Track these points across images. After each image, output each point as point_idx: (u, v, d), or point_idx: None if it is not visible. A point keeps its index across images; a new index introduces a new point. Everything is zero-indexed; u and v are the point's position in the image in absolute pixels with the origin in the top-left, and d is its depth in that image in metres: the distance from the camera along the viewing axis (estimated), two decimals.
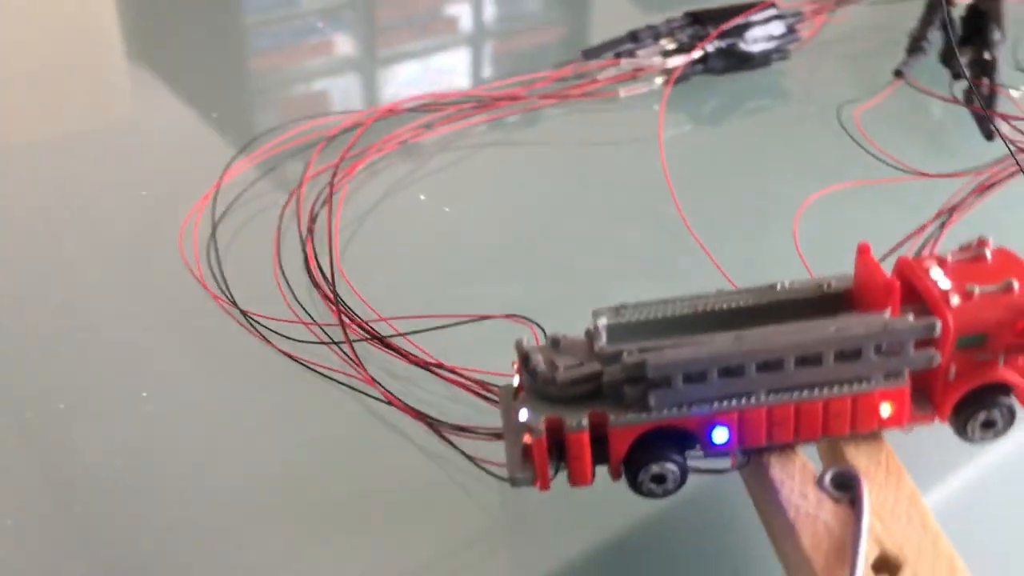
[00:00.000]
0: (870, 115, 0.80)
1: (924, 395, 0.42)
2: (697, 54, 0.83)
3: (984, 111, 0.77)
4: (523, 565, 0.47)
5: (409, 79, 0.95)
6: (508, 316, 0.49)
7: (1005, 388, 0.42)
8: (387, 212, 0.68)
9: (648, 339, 0.42)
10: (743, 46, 0.85)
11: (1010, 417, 0.42)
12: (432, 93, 0.79)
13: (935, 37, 0.87)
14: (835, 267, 0.46)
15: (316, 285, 0.59)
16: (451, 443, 0.48)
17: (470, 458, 0.47)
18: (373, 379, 0.52)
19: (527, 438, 0.42)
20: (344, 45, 1.04)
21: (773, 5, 0.88)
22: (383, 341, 0.53)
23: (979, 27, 0.86)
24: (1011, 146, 0.69)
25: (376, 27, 1.11)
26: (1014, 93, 0.80)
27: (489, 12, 1.12)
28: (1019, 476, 0.49)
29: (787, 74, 0.89)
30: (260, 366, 0.55)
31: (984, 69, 0.82)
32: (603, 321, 0.43)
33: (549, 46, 1.06)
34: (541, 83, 0.83)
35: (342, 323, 0.54)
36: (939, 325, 0.40)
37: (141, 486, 0.49)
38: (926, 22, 0.89)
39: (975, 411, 0.42)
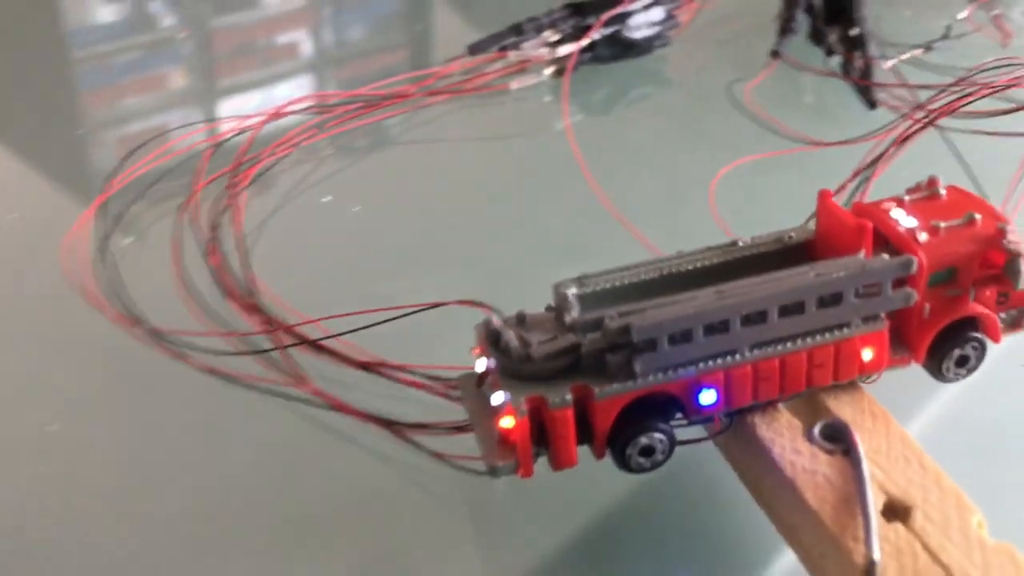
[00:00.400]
0: (756, 93, 0.81)
1: (898, 339, 0.42)
2: (586, 41, 0.83)
3: (865, 82, 0.79)
4: (502, 562, 0.44)
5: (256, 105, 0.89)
6: (461, 302, 0.46)
7: (973, 323, 0.42)
8: (292, 216, 0.64)
9: (621, 305, 0.40)
10: (627, 33, 0.85)
11: (982, 351, 0.42)
12: (318, 94, 0.75)
13: (803, 18, 0.90)
14: (756, 230, 0.44)
15: (230, 294, 0.54)
16: (415, 443, 0.45)
17: (439, 456, 0.44)
18: (314, 386, 0.48)
19: (506, 422, 0.39)
20: (181, 76, 0.98)
21: None
22: (316, 345, 0.49)
23: (842, 5, 0.88)
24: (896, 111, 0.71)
25: (214, 56, 1.04)
26: (887, 64, 0.83)
27: (327, 38, 1.08)
28: (985, 402, 0.49)
29: (669, 60, 0.89)
30: (180, 386, 0.50)
31: (854, 44, 0.85)
32: (573, 291, 0.41)
33: (394, 67, 1.01)
34: (429, 80, 0.80)
35: (270, 329, 0.49)
36: (915, 261, 0.39)
37: (55, 537, 0.43)
38: (791, 3, 0.92)
39: (949, 349, 0.42)
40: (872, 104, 0.78)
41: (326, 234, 0.63)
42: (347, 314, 0.50)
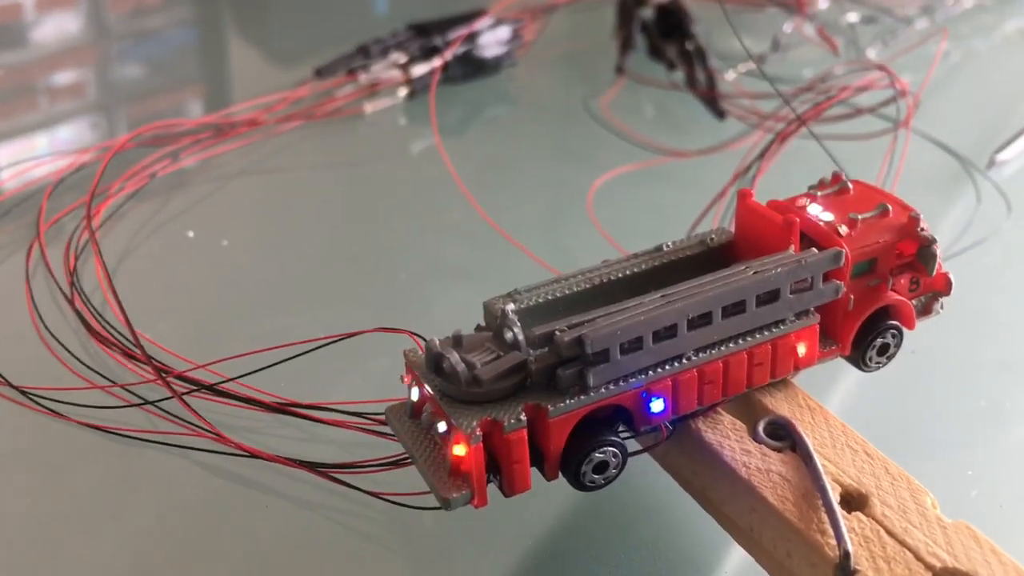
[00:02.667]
0: (611, 108, 0.83)
1: (825, 332, 0.42)
2: (441, 61, 0.81)
3: (712, 94, 0.82)
4: None
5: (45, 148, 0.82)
6: (380, 329, 0.43)
7: (891, 311, 0.43)
8: (155, 254, 0.59)
9: (558, 318, 0.38)
10: (478, 52, 0.84)
11: (900, 339, 0.44)
12: (163, 123, 0.70)
13: (639, 36, 0.92)
14: (641, 242, 0.44)
15: (105, 342, 0.49)
16: (351, 485, 0.41)
17: (376, 495, 0.41)
18: (223, 435, 0.43)
19: (457, 451, 0.36)
20: None
21: (486, 13, 0.88)
22: (217, 390, 0.45)
23: (674, 23, 0.91)
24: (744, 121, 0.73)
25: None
26: (728, 76, 0.86)
27: (117, 76, 1.00)
28: (879, 390, 0.51)
29: (518, 78, 0.89)
30: (62, 448, 0.44)
31: (692, 58, 0.87)
32: (511, 307, 0.39)
33: (191, 105, 0.96)
34: (279, 105, 0.76)
35: (160, 378, 0.44)
36: (844, 253, 0.40)
37: None
38: (625, 23, 0.94)
39: (872, 338, 0.43)
40: (721, 115, 0.81)
41: (197, 271, 0.58)
42: (244, 354, 0.46)
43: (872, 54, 0.92)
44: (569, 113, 0.82)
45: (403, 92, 0.81)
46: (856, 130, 0.74)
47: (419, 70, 0.81)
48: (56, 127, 0.83)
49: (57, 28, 1.04)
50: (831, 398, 0.51)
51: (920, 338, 0.47)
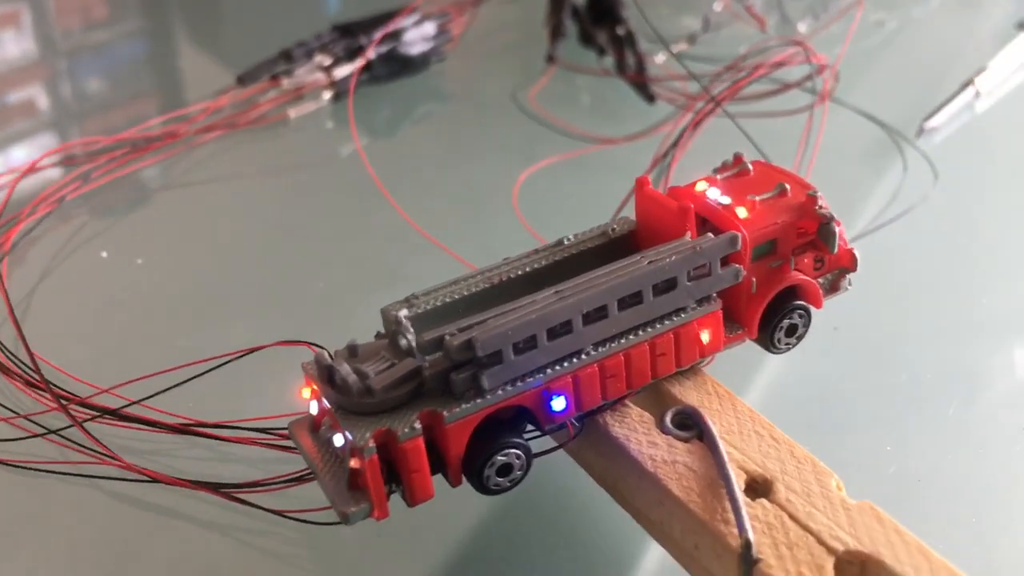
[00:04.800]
0: (540, 99, 0.82)
1: (730, 317, 0.42)
2: (363, 62, 0.80)
3: (642, 79, 0.81)
4: None
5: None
6: (279, 343, 0.42)
7: (796, 291, 0.43)
8: (66, 278, 0.57)
9: (458, 321, 0.37)
10: (402, 50, 0.83)
11: (808, 319, 0.43)
12: (74, 142, 0.68)
13: (571, 22, 0.92)
14: (565, 232, 0.43)
15: (6, 372, 0.48)
16: (251, 504, 0.40)
17: (280, 513, 0.40)
18: (124, 460, 0.42)
19: (354, 464, 0.36)
20: None
21: (416, 9, 0.87)
22: (119, 414, 0.44)
23: (605, 7, 0.91)
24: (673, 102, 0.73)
25: None
26: (658, 59, 0.85)
27: (66, 92, 0.97)
28: (807, 366, 0.51)
29: (447, 74, 0.88)
30: None
31: (623, 43, 0.87)
32: (404, 312, 0.38)
33: (147, 113, 0.94)
34: (200, 116, 0.75)
35: (62, 405, 0.43)
36: (741, 236, 0.39)
37: None
38: (556, 9, 0.93)
39: (779, 320, 0.42)
40: (651, 98, 0.80)
41: (110, 293, 0.57)
42: (148, 376, 0.45)
43: (803, 28, 0.92)
44: (498, 106, 0.81)
45: (327, 95, 0.80)
46: (785, 106, 0.73)
47: (342, 72, 0.80)
48: (8, 147, 0.82)
49: (3, 46, 1.01)
50: (755, 381, 0.50)
51: (842, 313, 0.47)
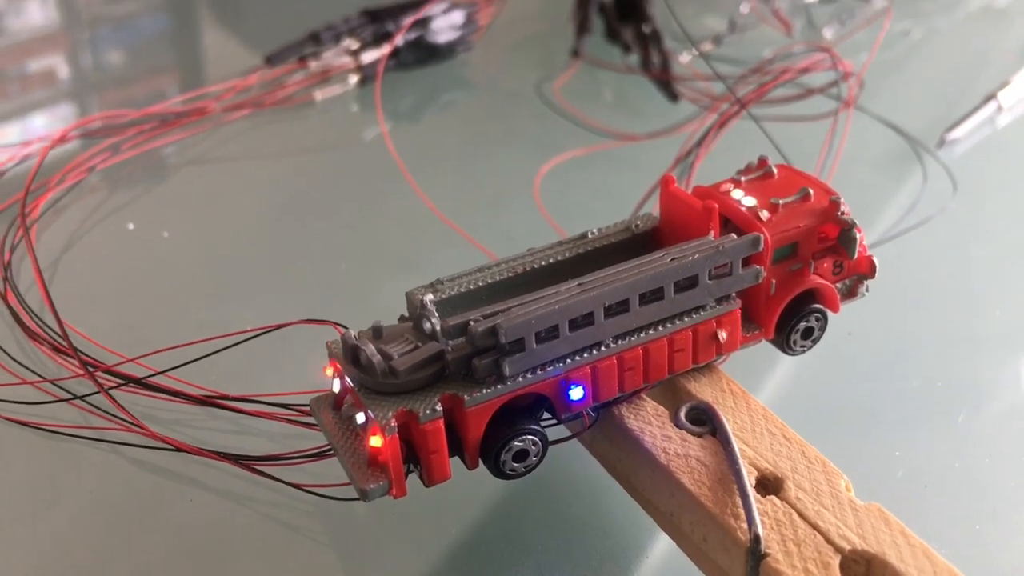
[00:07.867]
0: (564, 92, 0.82)
1: (748, 317, 0.43)
2: (391, 48, 0.81)
3: (666, 77, 0.81)
4: None
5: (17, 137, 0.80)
6: (304, 321, 0.43)
7: (814, 295, 0.43)
8: (94, 247, 0.58)
9: (482, 308, 0.38)
10: (430, 38, 0.84)
11: (824, 322, 0.44)
12: (107, 114, 0.69)
13: (597, 17, 0.92)
14: (585, 226, 0.44)
15: (34, 337, 0.49)
16: (270, 476, 0.41)
17: (298, 486, 0.41)
18: (149, 429, 0.43)
19: (374, 442, 0.37)
20: None
21: None
22: (144, 383, 0.45)
23: (631, 4, 0.91)
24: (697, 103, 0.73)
25: None
26: (683, 59, 0.86)
27: (89, 63, 0.99)
28: (818, 371, 0.51)
29: (472, 63, 0.89)
30: None
31: (649, 40, 0.87)
32: (429, 297, 0.39)
33: (166, 89, 0.95)
34: (228, 94, 0.76)
35: (89, 372, 0.44)
36: (763, 238, 0.40)
37: None
38: (583, 4, 0.93)
39: (796, 322, 0.43)
40: (674, 97, 0.81)
41: (136, 264, 0.58)
42: (174, 347, 0.46)
43: (828, 34, 0.92)
44: (522, 98, 0.81)
45: (354, 79, 0.81)
46: (809, 111, 0.74)
47: (370, 56, 0.81)
48: (29, 116, 0.83)
49: (28, 15, 1.03)
50: (769, 380, 0.51)
51: (859, 319, 0.48)
